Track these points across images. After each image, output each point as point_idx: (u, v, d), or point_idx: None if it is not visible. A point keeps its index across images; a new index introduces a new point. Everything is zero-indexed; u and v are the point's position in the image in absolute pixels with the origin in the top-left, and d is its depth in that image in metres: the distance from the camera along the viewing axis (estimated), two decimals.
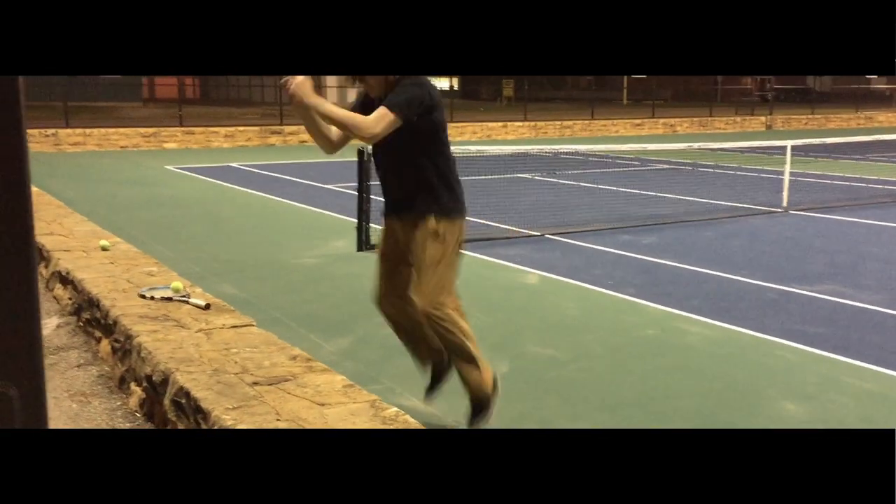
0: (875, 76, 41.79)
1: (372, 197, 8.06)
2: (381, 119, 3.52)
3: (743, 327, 5.86)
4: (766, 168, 16.57)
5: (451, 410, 4.31)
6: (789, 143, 12.32)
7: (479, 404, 3.92)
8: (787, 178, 11.70)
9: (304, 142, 22.06)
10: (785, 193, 11.51)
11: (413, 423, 3.21)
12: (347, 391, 3.51)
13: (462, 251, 3.97)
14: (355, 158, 8.45)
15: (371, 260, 7.79)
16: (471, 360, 3.84)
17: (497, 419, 4.24)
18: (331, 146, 3.83)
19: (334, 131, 3.76)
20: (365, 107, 3.77)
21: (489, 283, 7.19)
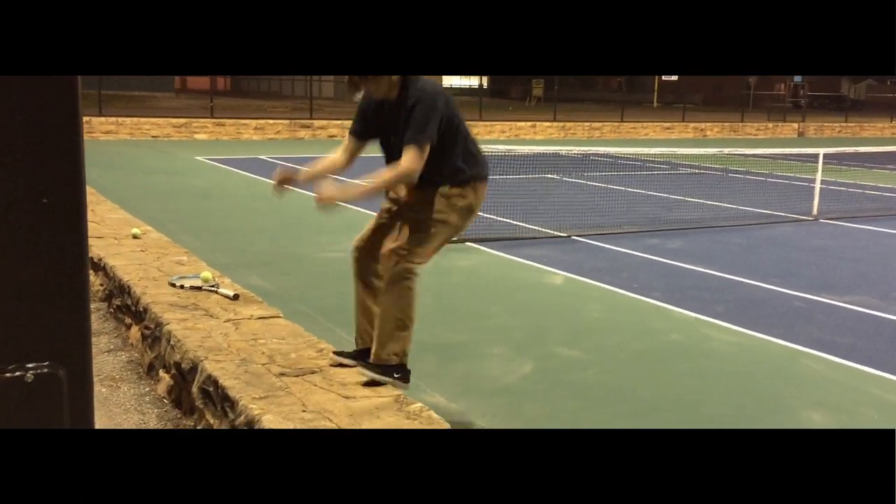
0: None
1: None
2: (415, 158, 3.55)
3: (769, 335, 5.83)
4: (797, 175, 16.42)
5: (475, 407, 4.33)
6: (821, 150, 12.20)
7: (389, 367, 3.66)
8: (818, 186, 11.60)
9: (332, 136, 22.16)
10: (816, 202, 11.40)
11: (436, 418, 3.24)
12: (373, 385, 3.55)
13: (472, 215, 3.80)
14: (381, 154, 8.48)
15: None
16: (406, 327, 3.68)
17: (516, 419, 4.25)
18: (344, 166, 3.93)
19: (339, 158, 3.90)
20: (376, 110, 3.77)
21: (515, 283, 7.20)
